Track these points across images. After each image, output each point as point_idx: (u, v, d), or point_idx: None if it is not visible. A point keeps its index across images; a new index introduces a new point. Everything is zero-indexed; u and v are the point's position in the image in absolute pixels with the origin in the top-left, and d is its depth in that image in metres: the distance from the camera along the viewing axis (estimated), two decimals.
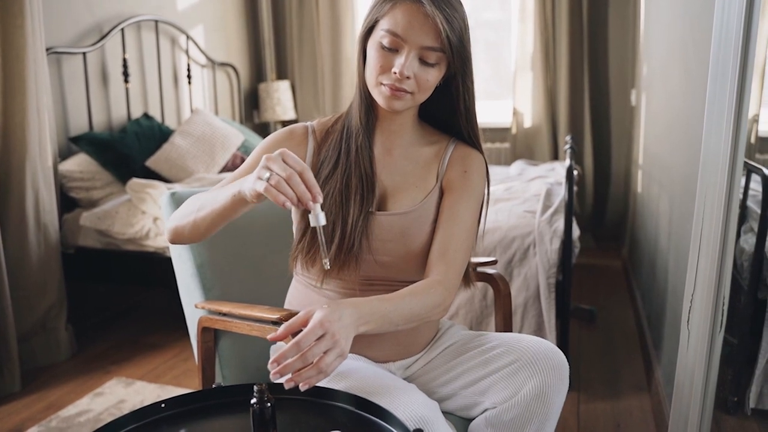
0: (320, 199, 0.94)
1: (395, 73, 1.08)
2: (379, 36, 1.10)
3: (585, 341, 2.68)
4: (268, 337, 0.94)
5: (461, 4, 1.12)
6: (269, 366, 0.88)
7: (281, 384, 1.04)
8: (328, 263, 0.97)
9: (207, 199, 1.09)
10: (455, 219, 1.18)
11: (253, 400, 0.88)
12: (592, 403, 2.16)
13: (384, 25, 1.09)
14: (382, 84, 1.11)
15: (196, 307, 1.37)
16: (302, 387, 0.89)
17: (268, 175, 0.92)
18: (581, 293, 3.23)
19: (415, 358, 1.26)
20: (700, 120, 1.45)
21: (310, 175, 0.93)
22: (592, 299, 3.14)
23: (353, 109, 1.21)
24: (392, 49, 1.09)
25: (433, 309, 1.10)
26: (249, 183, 0.95)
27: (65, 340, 2.58)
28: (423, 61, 1.10)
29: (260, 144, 1.23)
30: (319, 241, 0.97)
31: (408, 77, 1.09)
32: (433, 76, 1.12)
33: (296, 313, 1.16)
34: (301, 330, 0.92)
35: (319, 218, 0.95)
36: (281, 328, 0.93)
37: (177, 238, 1.15)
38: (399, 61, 1.08)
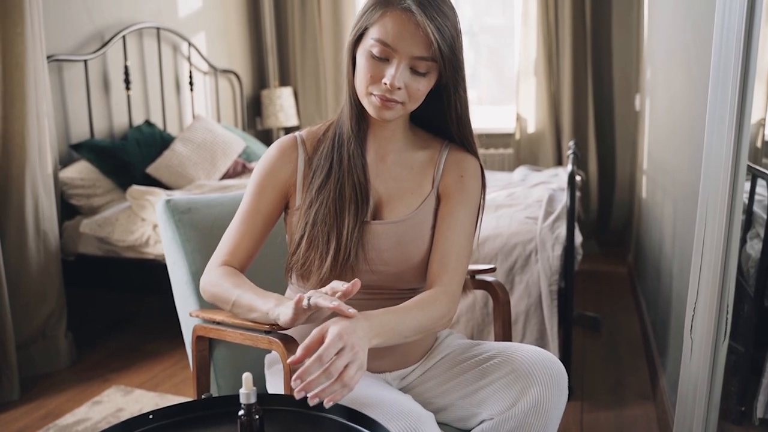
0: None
1: (386, 84, 1.06)
2: (369, 44, 1.08)
3: (589, 349, 2.64)
4: (288, 361, 0.91)
5: (453, 9, 1.10)
6: (292, 383, 0.86)
7: (272, 395, 1.03)
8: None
9: (240, 299, 1.11)
10: (455, 227, 1.16)
11: (241, 412, 0.86)
12: (596, 413, 2.13)
13: (374, 33, 1.07)
14: (372, 94, 1.09)
15: (190, 315, 1.35)
16: (326, 403, 0.86)
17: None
18: (586, 300, 3.19)
19: (412, 368, 1.24)
20: (703, 124, 1.42)
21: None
22: (597, 306, 3.10)
23: (344, 117, 1.18)
24: (382, 59, 1.07)
25: (439, 320, 1.09)
26: (285, 311, 1.00)
27: (65, 348, 2.57)
28: (414, 71, 1.08)
29: (257, 167, 1.22)
30: None
31: (399, 88, 1.07)
32: (424, 86, 1.10)
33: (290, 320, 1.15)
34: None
35: None
36: (299, 350, 0.90)
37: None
38: (390, 72, 1.06)
